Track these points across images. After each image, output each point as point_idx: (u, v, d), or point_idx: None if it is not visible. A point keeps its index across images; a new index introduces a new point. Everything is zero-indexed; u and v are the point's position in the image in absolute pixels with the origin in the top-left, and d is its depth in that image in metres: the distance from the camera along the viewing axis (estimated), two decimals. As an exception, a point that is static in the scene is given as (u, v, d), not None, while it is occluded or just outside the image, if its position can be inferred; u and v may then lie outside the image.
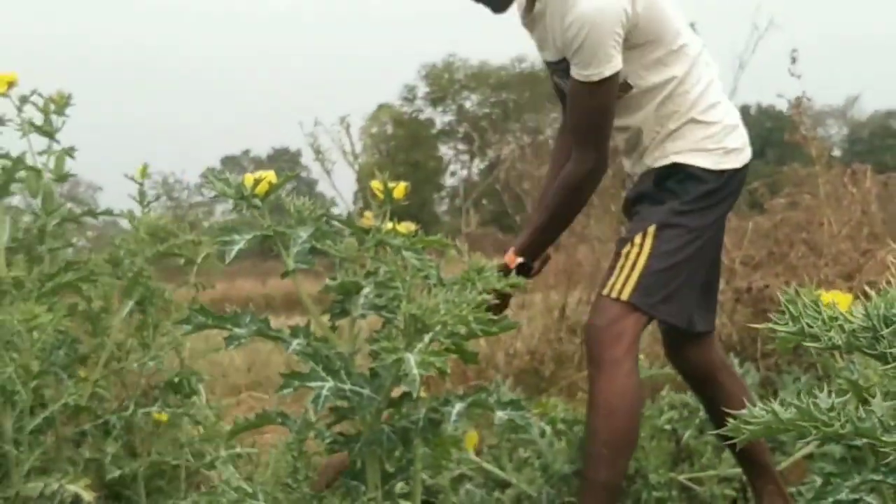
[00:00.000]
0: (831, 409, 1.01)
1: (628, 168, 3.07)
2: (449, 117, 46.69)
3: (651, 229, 2.79)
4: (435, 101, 46.22)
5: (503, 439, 3.71)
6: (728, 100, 2.99)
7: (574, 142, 2.88)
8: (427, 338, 1.38)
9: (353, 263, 1.59)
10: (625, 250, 2.81)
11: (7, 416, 2.08)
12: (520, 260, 2.95)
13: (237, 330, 1.66)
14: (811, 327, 0.98)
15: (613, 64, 2.70)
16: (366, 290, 1.54)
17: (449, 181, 47.01)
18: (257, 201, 1.58)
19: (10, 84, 2.43)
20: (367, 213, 1.62)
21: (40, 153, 2.49)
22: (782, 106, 6.78)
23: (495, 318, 1.89)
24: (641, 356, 4.12)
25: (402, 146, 47.43)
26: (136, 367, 2.48)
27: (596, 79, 2.70)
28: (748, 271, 5.19)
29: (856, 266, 5.03)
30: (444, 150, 48.14)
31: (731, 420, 1.12)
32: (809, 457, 3.76)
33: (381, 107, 46.62)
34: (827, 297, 1.99)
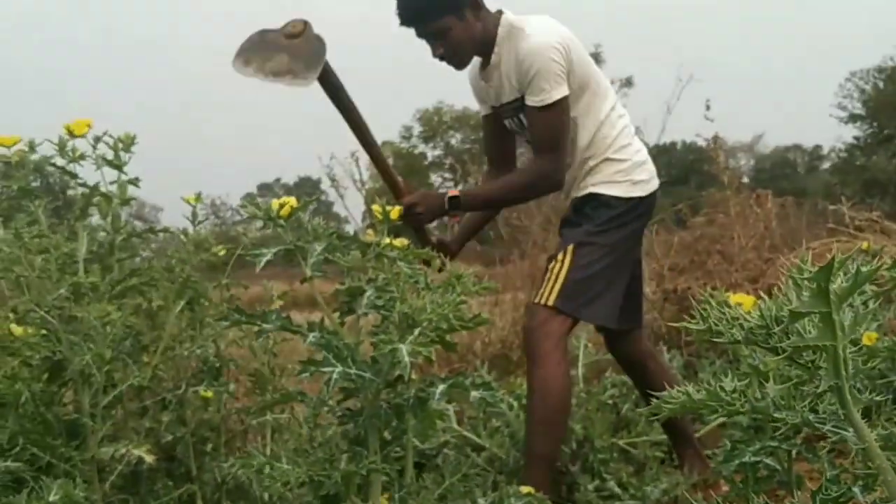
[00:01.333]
0: (734, 391, 1.02)
1: (567, 197, 3.08)
2: (438, 151, 46.86)
3: (570, 248, 2.81)
4: (427, 138, 46.40)
5: (480, 412, 3.70)
6: (637, 141, 3.00)
7: (536, 155, 2.85)
8: (416, 331, 1.39)
9: (358, 272, 1.59)
10: (551, 265, 2.83)
11: (85, 394, 2.08)
12: (455, 194, 2.84)
13: (265, 325, 1.66)
14: (717, 325, 0.99)
15: (562, 89, 2.72)
16: (368, 293, 1.54)
17: (438, 203, 47.05)
18: (281, 221, 1.58)
19: (88, 127, 2.44)
20: (370, 231, 1.63)
21: (111, 182, 2.48)
22: (702, 142, 6.82)
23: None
24: (589, 344, 4.13)
25: (401, 174, 47.43)
26: (186, 354, 2.47)
27: (549, 101, 2.72)
28: (674, 276, 5.21)
29: (760, 272, 5.05)
30: (434, 178, 48.19)
31: (654, 400, 1.13)
32: (722, 425, 3.75)
33: (383, 143, 46.75)
34: (735, 298, 2.00)
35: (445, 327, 1.43)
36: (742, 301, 1.80)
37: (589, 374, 4.20)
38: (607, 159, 2.86)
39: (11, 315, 2.15)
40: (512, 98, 2.87)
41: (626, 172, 2.87)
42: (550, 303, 2.74)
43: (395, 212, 1.62)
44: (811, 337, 0.90)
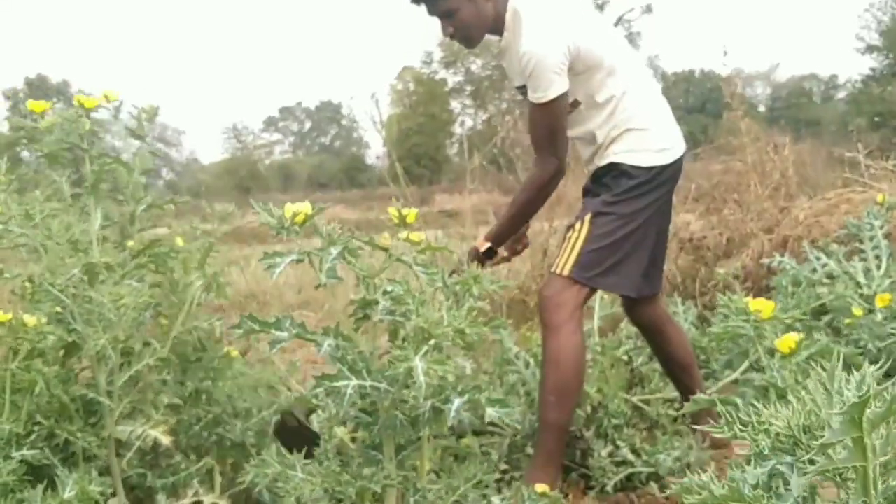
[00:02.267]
0: (756, 486, 0.95)
1: (588, 167, 2.99)
2: (459, 78, 46.19)
3: (587, 217, 2.74)
4: (448, 64, 45.62)
5: (497, 368, 3.66)
6: (662, 106, 2.89)
7: (535, 152, 2.83)
8: (432, 346, 1.32)
9: (372, 279, 1.51)
10: (568, 234, 2.77)
11: (101, 373, 2.02)
12: (487, 245, 2.95)
13: (279, 333, 1.59)
14: (742, 430, 0.93)
15: (556, 88, 2.65)
16: (382, 305, 1.46)
17: (458, 129, 46.66)
18: (296, 228, 1.50)
19: (109, 99, 2.37)
20: (385, 235, 1.54)
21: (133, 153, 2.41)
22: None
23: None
24: (606, 297, 4.06)
25: (421, 100, 47.08)
26: (207, 326, 2.41)
27: (544, 100, 2.67)
28: (691, 227, 5.11)
29: (775, 221, 4.94)
30: (455, 105, 47.72)
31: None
32: (735, 381, 3.71)
33: (404, 69, 46.29)
34: (754, 305, 1.90)
35: (462, 342, 1.36)
36: (761, 308, 1.72)
37: (605, 325, 4.14)
38: (628, 129, 2.76)
39: (28, 285, 2.09)
40: (521, 84, 2.80)
41: (647, 141, 2.76)
42: (566, 272, 2.69)
43: (411, 215, 1.52)
44: (842, 458, 0.83)
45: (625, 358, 3.62)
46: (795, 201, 5.19)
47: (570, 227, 2.79)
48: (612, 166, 2.77)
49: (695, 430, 3.12)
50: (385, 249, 1.48)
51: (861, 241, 4.25)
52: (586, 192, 2.90)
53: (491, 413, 1.38)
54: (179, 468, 2.25)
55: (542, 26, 2.68)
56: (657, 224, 2.84)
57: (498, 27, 2.79)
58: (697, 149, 6.33)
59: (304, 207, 1.46)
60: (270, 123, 70.06)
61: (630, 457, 2.80)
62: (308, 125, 72.65)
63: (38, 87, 50.24)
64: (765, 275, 4.46)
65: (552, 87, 2.65)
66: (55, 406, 1.92)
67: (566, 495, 2.80)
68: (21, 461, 1.73)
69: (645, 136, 2.76)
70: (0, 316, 1.73)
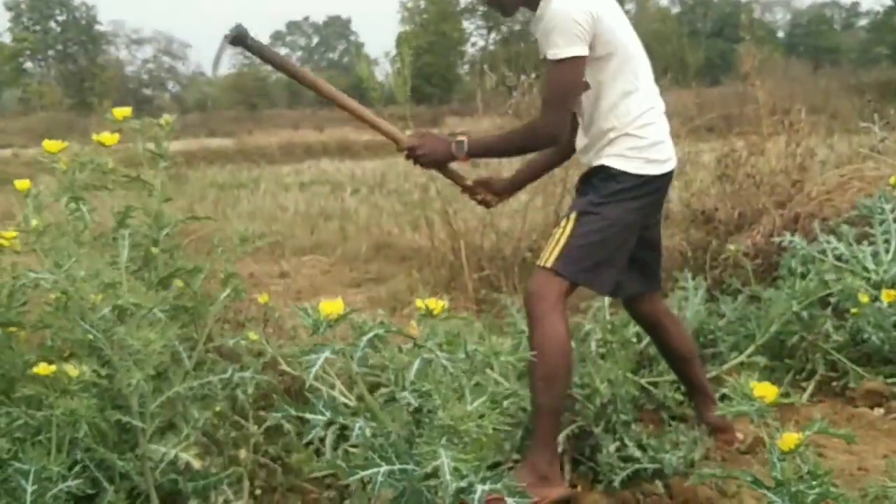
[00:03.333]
0: None
1: (583, 161, 3.03)
2: (471, -3, 45.40)
3: (573, 215, 2.81)
4: (459, -18, 44.78)
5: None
6: (662, 123, 2.92)
7: (541, 106, 2.84)
8: (458, 441, 1.40)
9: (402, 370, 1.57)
10: (555, 230, 2.85)
11: (134, 399, 2.12)
12: (462, 139, 2.93)
13: (315, 417, 1.64)
14: None
15: (575, 49, 2.67)
16: (406, 397, 1.53)
17: (469, 50, 46.03)
18: (330, 325, 1.53)
19: (125, 117, 2.42)
20: (413, 323, 1.60)
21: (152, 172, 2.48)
22: None
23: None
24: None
25: (433, 19, 46.40)
26: (230, 343, 2.51)
27: (561, 56, 2.68)
28: (701, 198, 5.14)
29: (787, 196, 4.98)
30: (467, 25, 46.99)
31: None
32: (741, 364, 3.81)
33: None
34: (757, 389, 1.94)
35: (485, 438, 1.44)
36: (764, 393, 1.77)
37: (614, 302, 4.22)
38: (626, 134, 2.80)
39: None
40: (543, 55, 2.81)
41: (642, 150, 2.80)
42: (549, 265, 2.77)
43: (438, 307, 1.57)
44: None
45: (634, 339, 3.72)
46: (808, 173, 5.21)
47: (558, 223, 2.88)
48: (602, 168, 2.82)
49: (699, 421, 3.24)
50: (413, 338, 1.54)
51: (871, 225, 4.30)
52: (577, 190, 2.97)
53: (510, 502, 1.47)
54: (209, 473, 2.36)
55: None
56: (642, 228, 2.91)
57: (532, 1, 2.82)
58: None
59: (338, 307, 1.51)
60: (277, 38, 69.24)
61: (637, 454, 2.90)
62: (316, 40, 71.74)
63: (40, -1, 49.56)
64: (775, 251, 4.52)
65: (570, 46, 2.67)
66: (95, 434, 2.03)
67: (575, 486, 2.94)
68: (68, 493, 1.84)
69: (638, 143, 2.80)
70: (43, 369, 1.82)
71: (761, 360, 3.77)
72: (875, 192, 4.61)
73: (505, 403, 1.58)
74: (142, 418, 2.14)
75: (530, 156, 3.24)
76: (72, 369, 1.82)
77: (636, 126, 2.81)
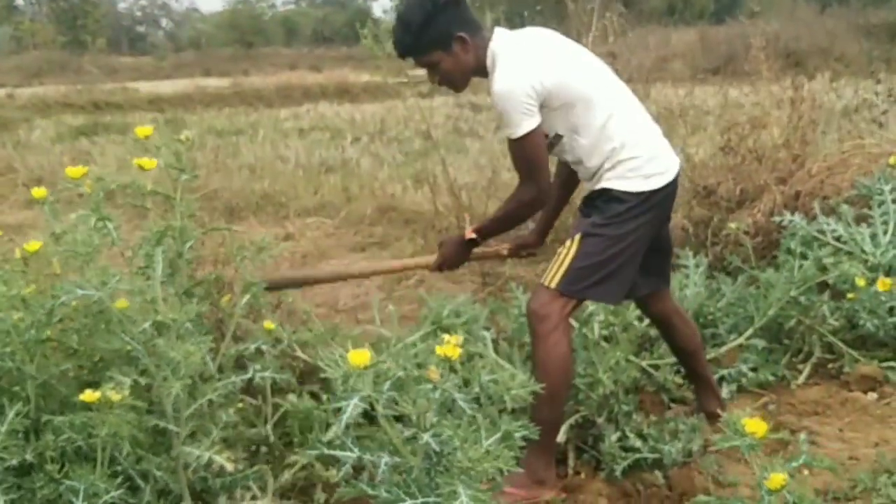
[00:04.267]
0: None
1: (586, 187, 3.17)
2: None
3: (577, 237, 2.92)
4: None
5: (515, 333, 3.91)
6: (652, 131, 3.04)
7: (519, 183, 2.98)
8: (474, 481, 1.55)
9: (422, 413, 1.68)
10: (560, 250, 2.96)
11: (168, 405, 2.27)
12: (473, 236, 3.18)
13: (345, 454, 1.73)
14: None
15: (526, 125, 2.81)
16: (427, 440, 1.66)
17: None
18: (360, 371, 1.63)
19: (147, 136, 2.54)
20: (433, 368, 1.71)
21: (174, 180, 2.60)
22: None
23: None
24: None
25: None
26: (253, 349, 2.66)
27: (513, 137, 2.85)
28: (703, 172, 5.24)
29: (788, 173, 5.07)
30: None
31: None
32: (739, 346, 3.97)
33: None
34: (749, 425, 2.08)
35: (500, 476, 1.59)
36: (755, 429, 1.89)
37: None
38: (619, 161, 2.90)
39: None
40: (503, 132, 2.97)
41: (639, 168, 2.91)
42: (553, 285, 2.90)
43: (456, 352, 1.69)
44: None
45: (636, 322, 3.87)
46: (810, 146, 5.30)
47: (563, 242, 2.98)
48: (604, 191, 2.93)
49: (699, 409, 3.41)
50: (432, 382, 1.66)
51: (870, 206, 4.42)
52: (580, 210, 3.08)
53: None
54: (236, 471, 2.53)
55: (509, 67, 2.83)
56: (649, 240, 3.02)
57: (482, 70, 2.95)
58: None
59: (365, 357, 1.62)
60: (273, -25, 68.10)
61: (637, 444, 3.07)
62: (312, -25, 70.63)
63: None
64: (775, 229, 4.64)
65: (522, 123, 2.81)
66: (132, 441, 2.18)
67: (578, 473, 3.12)
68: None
69: (635, 163, 2.90)
70: (88, 396, 1.97)
71: (759, 343, 3.93)
72: (875, 171, 4.73)
73: (517, 436, 1.72)
74: (176, 423, 2.30)
75: None
76: (114, 394, 1.97)
77: (626, 149, 2.91)
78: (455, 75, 2.99)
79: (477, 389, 1.70)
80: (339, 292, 5.63)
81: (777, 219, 4.50)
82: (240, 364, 2.78)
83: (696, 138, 6.17)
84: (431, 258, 3.37)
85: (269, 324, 3.13)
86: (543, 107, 2.85)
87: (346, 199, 7.97)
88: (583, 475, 3.10)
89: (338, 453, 1.71)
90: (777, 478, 1.62)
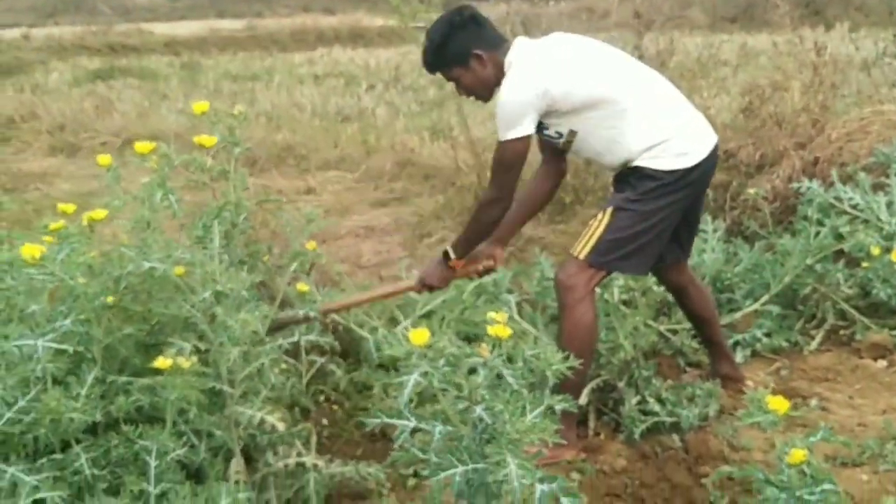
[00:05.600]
0: None
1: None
2: None
3: (609, 210, 3.07)
4: None
5: (538, 295, 4.06)
6: (680, 105, 3.15)
7: (489, 180, 3.16)
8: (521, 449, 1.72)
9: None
10: (590, 222, 3.11)
11: (223, 366, 2.44)
12: (447, 249, 3.29)
13: (402, 423, 1.89)
14: None
15: (512, 132, 2.97)
16: (480, 413, 1.82)
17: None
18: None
19: (203, 112, 2.67)
20: (484, 346, 1.87)
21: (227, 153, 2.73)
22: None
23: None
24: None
25: None
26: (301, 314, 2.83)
27: (501, 139, 3.01)
28: (725, 136, 5.33)
29: (808, 137, 5.17)
30: None
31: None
32: (754, 312, 4.12)
33: None
34: (772, 402, 2.23)
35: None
36: (777, 406, 2.04)
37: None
38: (645, 149, 3.03)
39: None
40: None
41: (668, 149, 3.02)
42: (582, 256, 3.06)
43: (506, 333, 1.84)
44: None
45: (655, 289, 4.02)
46: (830, 114, 5.38)
47: (594, 215, 3.13)
48: (637, 169, 3.06)
49: (713, 373, 3.58)
50: (482, 358, 1.82)
51: (888, 175, 4.54)
52: (613, 185, 3.24)
53: (542, 489, 1.80)
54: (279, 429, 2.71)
55: (517, 77, 3.00)
56: (681, 215, 3.15)
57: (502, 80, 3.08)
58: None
59: (424, 336, 1.77)
60: None
61: (656, 408, 3.25)
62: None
63: None
64: (793, 195, 4.76)
65: (510, 129, 2.97)
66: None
67: (598, 435, 3.30)
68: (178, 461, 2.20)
69: (664, 146, 3.02)
70: (161, 363, 2.14)
71: (774, 309, 4.08)
72: (893, 139, 4.83)
73: (557, 408, 1.89)
74: (230, 384, 2.49)
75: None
76: (184, 361, 2.15)
77: (647, 139, 3.03)
78: (476, 89, 3.18)
79: (521, 364, 1.86)
80: (361, 248, 5.81)
81: (795, 185, 4.62)
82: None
83: (716, 101, 6.24)
84: (412, 282, 3.48)
85: (302, 286, 3.31)
86: (552, 111, 3.01)
87: (365, 153, 8.10)
88: (602, 437, 3.27)
89: (396, 422, 1.88)
90: (798, 453, 1.79)
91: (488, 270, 3.46)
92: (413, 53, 16.20)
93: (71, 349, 2.07)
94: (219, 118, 2.70)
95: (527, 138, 3.00)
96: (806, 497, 1.78)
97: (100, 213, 2.62)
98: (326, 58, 18.70)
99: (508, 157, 3.03)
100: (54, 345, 2.00)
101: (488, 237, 3.31)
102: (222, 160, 2.74)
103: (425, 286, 3.37)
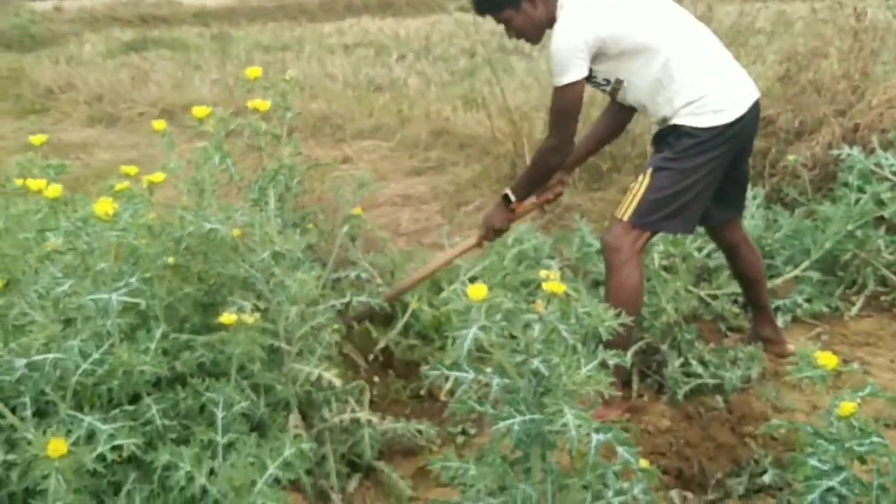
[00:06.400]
0: None
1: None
2: None
3: (649, 171, 3.12)
4: None
5: (579, 264, 4.12)
6: (724, 62, 3.18)
7: (548, 132, 3.22)
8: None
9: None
10: (632, 185, 3.17)
11: (281, 324, 2.53)
12: (507, 192, 3.40)
13: (462, 374, 1.97)
14: None
15: (571, 74, 3.03)
16: (537, 365, 1.88)
17: None
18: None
19: (256, 77, 2.74)
20: (539, 302, 1.92)
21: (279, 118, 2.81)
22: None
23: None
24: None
25: None
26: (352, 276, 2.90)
27: (557, 84, 3.06)
28: (764, 104, 5.32)
29: (848, 104, 5.15)
30: None
31: None
32: (795, 278, 4.16)
33: None
34: (821, 357, 2.26)
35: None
36: (827, 362, 2.07)
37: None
38: (686, 103, 3.06)
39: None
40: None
41: (706, 105, 3.05)
42: (626, 218, 3.11)
43: (560, 289, 1.89)
44: None
45: (696, 255, 4.06)
46: (871, 81, 5.36)
47: (636, 177, 3.18)
48: (675, 127, 3.10)
49: (754, 335, 3.62)
50: (538, 314, 1.88)
51: (930, 141, 4.54)
52: (653, 146, 3.29)
53: (621, 452, 1.87)
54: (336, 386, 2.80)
55: (568, 19, 3.05)
56: (723, 172, 3.18)
57: (553, 23, 3.13)
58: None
59: (483, 291, 1.83)
60: None
61: (699, 370, 3.30)
62: None
63: None
64: (833, 162, 4.76)
65: (566, 73, 3.03)
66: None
67: (641, 396, 3.36)
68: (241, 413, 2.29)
69: (703, 101, 3.05)
70: (227, 319, 2.22)
71: (815, 275, 4.11)
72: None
73: (610, 363, 1.95)
74: (288, 342, 2.57)
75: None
76: (248, 317, 2.23)
77: (688, 92, 3.06)
78: (528, 30, 3.21)
79: (573, 321, 1.92)
80: (399, 217, 5.87)
81: (835, 152, 4.61)
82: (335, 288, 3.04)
83: (755, 68, 6.22)
84: (474, 237, 3.57)
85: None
86: (601, 55, 3.05)
87: (399, 122, 8.14)
88: (646, 398, 3.33)
89: (456, 373, 1.94)
90: (848, 406, 1.84)
91: (557, 197, 3.59)
92: (442, 23, 16.20)
93: (143, 303, 2.14)
94: (271, 83, 2.76)
95: (582, 82, 3.06)
96: (855, 448, 1.83)
97: (158, 177, 2.70)
98: (356, 27, 18.69)
99: (566, 103, 3.09)
100: (127, 298, 2.08)
101: (547, 182, 3.42)
102: (274, 125, 2.81)
103: (492, 230, 3.46)
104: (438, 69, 12.24)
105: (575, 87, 3.05)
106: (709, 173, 3.11)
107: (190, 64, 12.66)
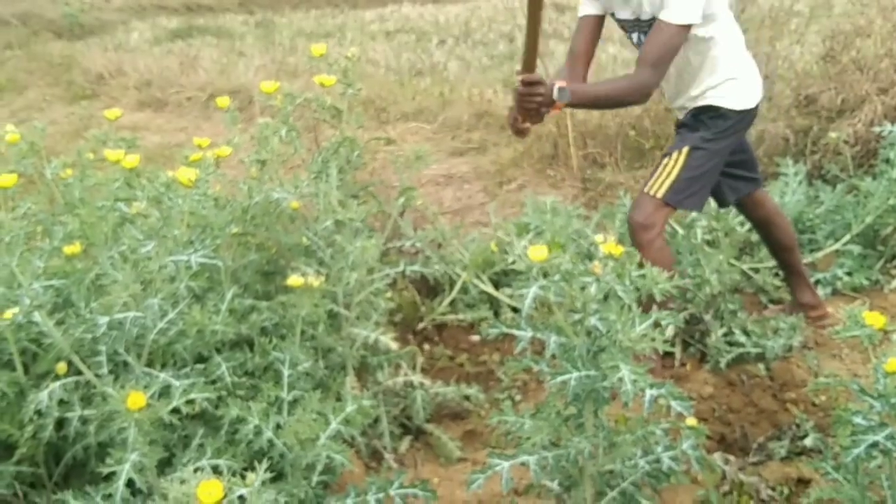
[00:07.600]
0: None
1: (675, 105, 3.35)
2: None
3: (686, 149, 3.14)
4: None
5: (622, 238, 4.16)
6: (747, 53, 3.25)
7: (639, 63, 2.99)
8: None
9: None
10: (665, 161, 3.16)
11: (340, 290, 2.62)
12: (563, 84, 2.87)
13: (521, 333, 2.05)
14: None
15: (689, 16, 2.91)
16: (593, 322, 1.95)
17: None
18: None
19: (322, 55, 2.82)
20: (596, 263, 1.98)
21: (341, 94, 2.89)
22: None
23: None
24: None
25: None
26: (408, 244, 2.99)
27: (675, 21, 2.90)
28: (806, 82, 5.33)
29: (891, 82, 5.14)
30: None
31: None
32: (835, 252, 4.17)
33: None
34: (869, 317, 2.30)
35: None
36: (874, 321, 2.11)
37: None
38: (728, 78, 3.12)
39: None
40: (648, 17, 3.03)
41: (741, 87, 3.15)
42: (660, 195, 3.12)
43: (618, 251, 1.95)
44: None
45: (739, 229, 4.08)
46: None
47: (668, 154, 3.18)
48: (710, 108, 3.15)
49: (794, 305, 3.65)
50: (595, 274, 1.95)
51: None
52: (683, 126, 3.26)
53: (675, 405, 1.93)
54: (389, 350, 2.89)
55: None
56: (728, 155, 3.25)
57: None
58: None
59: (544, 252, 1.90)
60: None
61: (742, 339, 3.35)
62: None
63: None
64: (874, 139, 4.76)
65: (689, 13, 2.90)
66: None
67: (683, 364, 3.42)
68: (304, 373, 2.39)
69: (737, 83, 3.14)
70: (294, 281, 2.31)
71: (855, 249, 4.13)
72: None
73: (663, 323, 2.01)
74: (347, 307, 2.66)
75: None
76: (314, 281, 2.32)
77: (732, 68, 3.13)
78: None
79: (628, 282, 1.98)
80: (442, 195, 5.94)
81: (877, 129, 4.61)
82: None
83: (797, 47, 6.19)
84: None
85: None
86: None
87: (441, 105, 8.19)
88: (688, 367, 3.39)
89: (515, 332, 2.02)
90: (894, 362, 1.88)
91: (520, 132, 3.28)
92: (482, 9, 16.21)
93: (220, 264, 2.24)
94: (335, 61, 2.83)
95: (690, 29, 2.95)
96: (901, 404, 1.87)
97: (225, 151, 2.80)
98: (397, 14, 18.71)
99: (675, 43, 2.95)
100: (206, 259, 2.17)
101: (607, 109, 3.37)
102: (336, 101, 2.89)
103: (533, 87, 2.89)
104: (478, 53, 12.26)
105: (688, 29, 2.95)
106: (727, 154, 3.21)
107: (234, 51, 12.77)
